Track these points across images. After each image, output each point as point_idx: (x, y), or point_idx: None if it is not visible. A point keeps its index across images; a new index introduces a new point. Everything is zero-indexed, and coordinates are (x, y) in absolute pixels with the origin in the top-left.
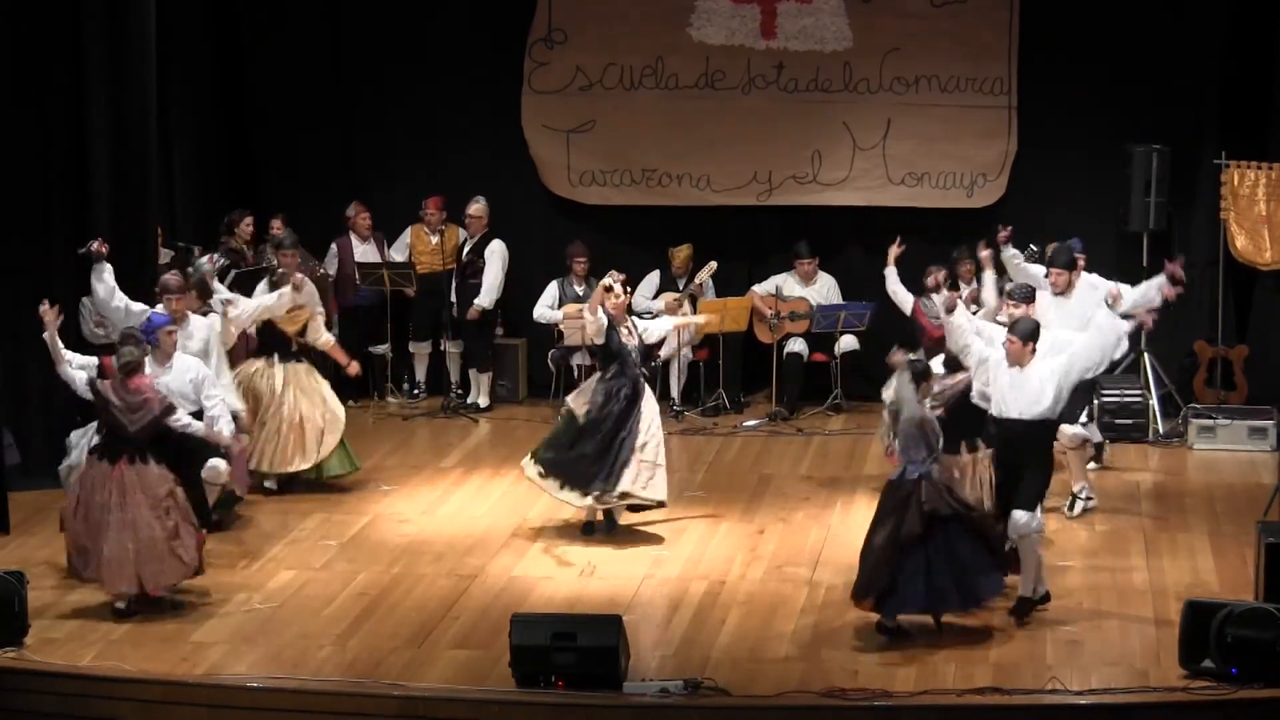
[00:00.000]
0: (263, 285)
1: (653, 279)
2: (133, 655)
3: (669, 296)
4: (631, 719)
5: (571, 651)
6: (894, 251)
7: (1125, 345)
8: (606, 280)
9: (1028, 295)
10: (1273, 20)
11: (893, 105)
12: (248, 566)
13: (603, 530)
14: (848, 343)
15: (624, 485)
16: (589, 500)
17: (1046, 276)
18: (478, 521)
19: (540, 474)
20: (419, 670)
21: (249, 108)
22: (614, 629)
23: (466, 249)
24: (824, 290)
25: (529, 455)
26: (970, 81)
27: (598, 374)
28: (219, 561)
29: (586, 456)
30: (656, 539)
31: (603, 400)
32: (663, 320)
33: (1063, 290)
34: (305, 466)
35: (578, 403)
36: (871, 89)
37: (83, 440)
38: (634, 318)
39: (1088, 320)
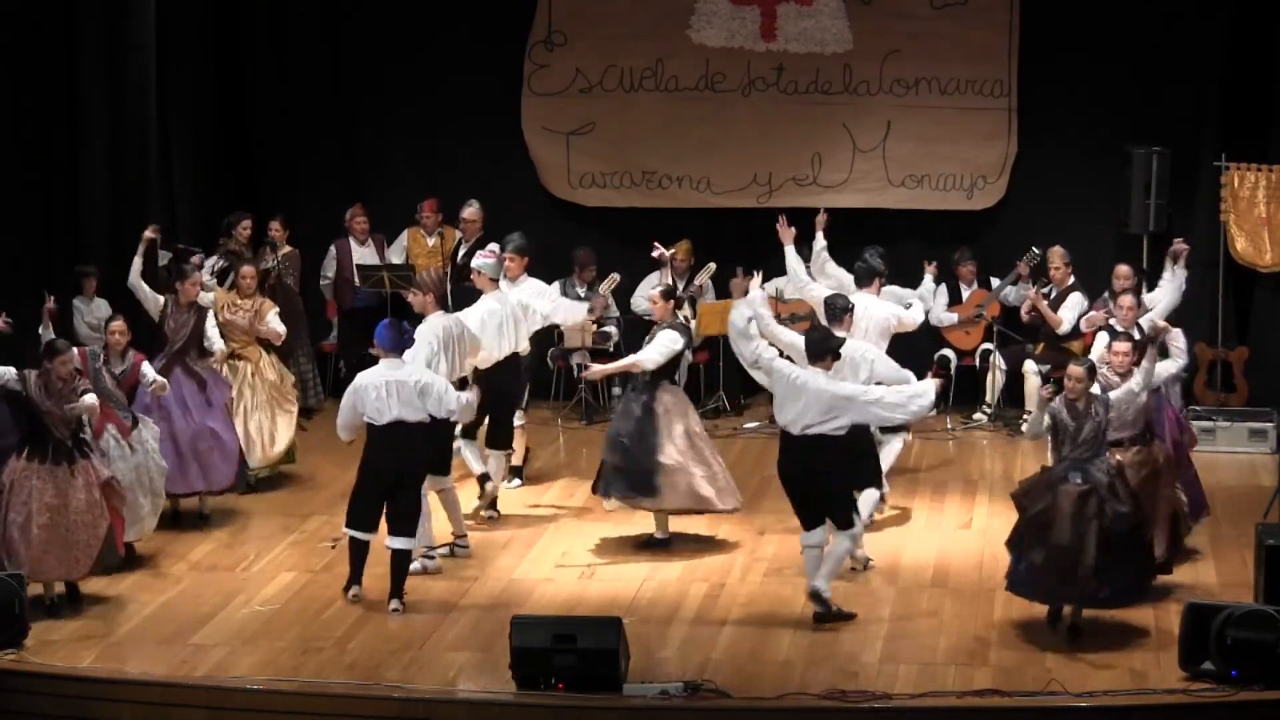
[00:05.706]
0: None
1: (652, 279)
2: (132, 657)
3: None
4: None
5: (572, 654)
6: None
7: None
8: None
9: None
10: (1272, 22)
11: (893, 107)
12: (248, 568)
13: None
14: None
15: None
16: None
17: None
18: (477, 523)
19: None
20: (419, 672)
21: (249, 110)
22: (614, 631)
23: (461, 253)
24: None
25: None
26: (970, 83)
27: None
28: (220, 563)
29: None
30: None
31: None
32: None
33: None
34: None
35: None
36: (871, 91)
37: None
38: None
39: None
